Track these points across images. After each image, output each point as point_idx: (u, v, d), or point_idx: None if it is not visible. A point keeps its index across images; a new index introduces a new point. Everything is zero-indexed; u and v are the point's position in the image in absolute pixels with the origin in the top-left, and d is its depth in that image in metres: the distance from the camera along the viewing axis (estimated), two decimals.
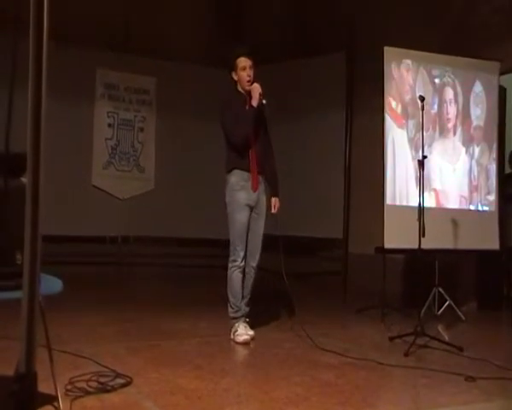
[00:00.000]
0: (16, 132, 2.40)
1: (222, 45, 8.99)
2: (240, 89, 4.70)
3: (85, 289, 6.77)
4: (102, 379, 3.19)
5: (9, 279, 2.19)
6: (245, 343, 4.49)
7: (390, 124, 6.08)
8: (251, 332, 4.64)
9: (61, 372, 2.68)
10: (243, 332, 4.55)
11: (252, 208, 4.65)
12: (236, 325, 4.61)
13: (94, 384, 3.11)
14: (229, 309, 4.66)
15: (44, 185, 1.50)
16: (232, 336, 4.59)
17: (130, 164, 9.14)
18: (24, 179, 2.45)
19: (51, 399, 2.54)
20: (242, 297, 4.67)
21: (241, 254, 4.61)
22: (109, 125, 9.03)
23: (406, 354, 4.22)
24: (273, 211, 4.75)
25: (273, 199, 4.80)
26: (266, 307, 5.87)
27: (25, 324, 1.43)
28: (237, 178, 4.62)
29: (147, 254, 8.60)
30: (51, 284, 2.63)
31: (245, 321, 4.66)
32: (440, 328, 5.07)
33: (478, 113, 6.47)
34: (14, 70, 2.22)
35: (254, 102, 4.55)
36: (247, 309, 4.74)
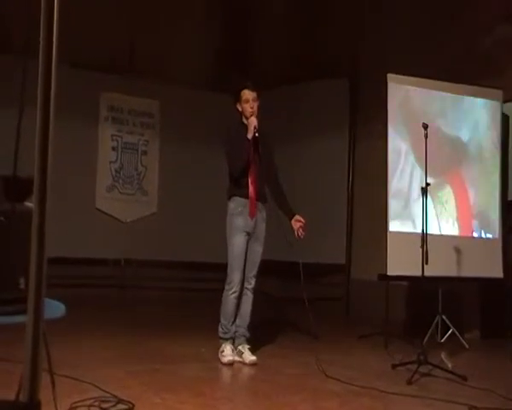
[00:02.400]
0: (22, 156, 2.43)
1: (226, 71, 9.08)
2: (244, 120, 4.85)
3: (87, 311, 6.74)
4: (104, 405, 3.16)
5: (12, 304, 2.18)
6: (229, 364, 4.56)
7: (393, 150, 6.10)
8: (253, 358, 4.66)
9: (62, 397, 2.66)
10: (229, 353, 4.65)
11: (250, 234, 4.73)
12: (223, 345, 4.72)
13: None
14: (219, 329, 4.76)
15: (49, 209, 1.50)
16: (219, 356, 4.67)
17: (133, 187, 9.16)
18: (28, 203, 2.47)
19: None
20: (238, 320, 4.76)
21: (238, 278, 4.68)
22: (113, 148, 9.06)
23: (409, 383, 4.19)
24: (297, 235, 4.80)
25: (294, 220, 4.82)
26: (269, 332, 5.84)
27: (29, 351, 1.42)
28: (235, 204, 4.76)
29: (149, 278, 8.57)
30: (54, 309, 2.63)
31: (233, 343, 4.73)
32: (443, 356, 5.02)
33: (480, 139, 6.48)
34: (22, 95, 2.24)
35: (249, 136, 4.71)
36: (248, 334, 4.78)
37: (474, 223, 6.39)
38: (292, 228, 4.84)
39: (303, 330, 5.69)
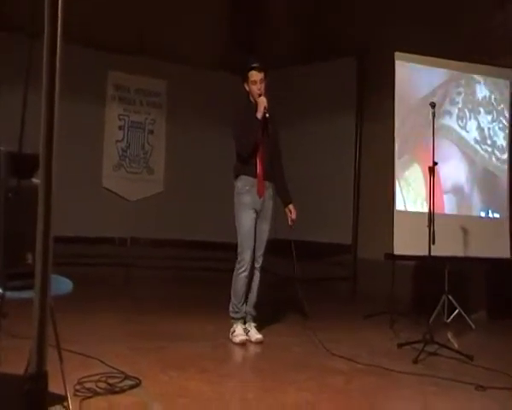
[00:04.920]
0: (27, 133, 2.43)
1: (234, 51, 9.02)
2: (251, 99, 4.88)
3: (94, 290, 6.78)
4: (111, 380, 3.20)
5: (20, 279, 2.20)
6: (241, 344, 4.58)
7: (399, 127, 6.06)
8: (259, 336, 4.69)
9: (69, 372, 2.68)
10: (240, 333, 4.67)
11: (257, 213, 4.75)
12: (235, 325, 4.74)
13: (103, 385, 3.12)
14: (230, 309, 4.78)
15: (55, 186, 1.50)
16: (230, 336, 4.70)
17: (140, 166, 9.15)
18: (35, 180, 2.47)
19: (61, 399, 2.55)
20: (246, 299, 4.77)
21: (248, 256, 4.69)
22: (120, 127, 9.04)
23: (415, 362, 4.20)
24: (290, 223, 4.86)
25: (287, 209, 4.89)
26: (274, 311, 5.87)
27: (36, 324, 1.43)
28: (243, 183, 4.78)
29: (156, 256, 8.59)
30: (61, 285, 2.64)
31: (244, 322, 4.75)
32: (450, 336, 5.03)
33: (489, 119, 6.44)
34: (28, 71, 2.24)
35: (259, 115, 4.75)
36: (255, 313, 4.81)
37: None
38: (285, 213, 4.90)
39: (309, 310, 5.71)
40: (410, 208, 6.08)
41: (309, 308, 5.36)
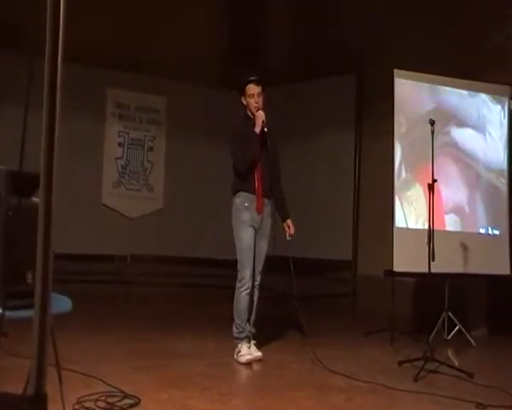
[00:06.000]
0: (28, 151, 2.44)
1: (233, 67, 9.06)
2: (249, 113, 4.83)
3: (94, 307, 6.76)
4: (110, 399, 3.18)
5: (20, 298, 2.19)
6: (247, 364, 4.52)
7: (399, 146, 6.08)
8: (258, 354, 4.66)
9: (69, 392, 2.67)
10: (246, 353, 4.61)
11: (256, 229, 4.71)
12: (240, 345, 4.66)
13: (102, 404, 3.10)
14: (234, 329, 4.71)
15: (55, 203, 1.51)
16: (236, 357, 4.63)
17: (139, 183, 9.17)
18: (35, 199, 2.48)
19: None
20: (248, 319, 4.71)
21: (249, 273, 4.65)
22: (119, 144, 9.07)
23: (415, 379, 4.18)
24: (288, 238, 4.82)
25: (285, 224, 4.86)
26: (274, 328, 5.85)
27: (36, 345, 1.43)
28: (242, 200, 4.72)
29: (156, 274, 8.58)
30: (61, 304, 2.64)
31: (249, 341, 4.69)
32: (450, 353, 5.01)
33: (488, 136, 6.46)
34: (29, 89, 2.25)
35: (257, 130, 4.68)
36: (254, 330, 4.77)
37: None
38: (283, 228, 4.87)
39: (308, 326, 5.69)
40: (411, 226, 6.07)
41: (307, 326, 5.33)
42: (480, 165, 6.41)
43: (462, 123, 6.38)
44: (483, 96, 6.48)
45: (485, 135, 6.45)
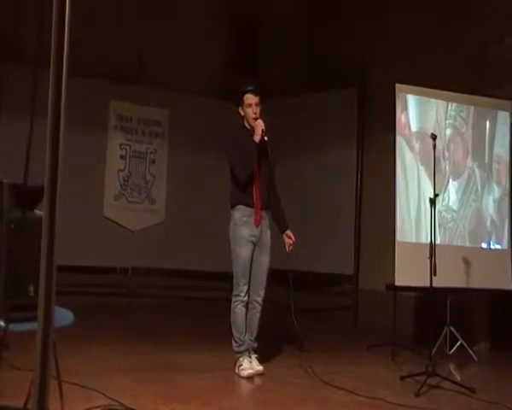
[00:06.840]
0: (32, 164, 2.44)
1: (234, 80, 9.10)
2: (246, 124, 4.80)
3: (95, 320, 6.74)
4: None
5: (22, 311, 2.19)
6: (249, 378, 4.49)
7: (401, 160, 6.09)
8: (260, 368, 4.63)
9: (70, 405, 2.66)
10: (247, 367, 4.57)
11: (255, 244, 4.68)
12: (241, 359, 4.63)
13: None
14: (233, 343, 4.69)
15: (58, 216, 1.51)
16: (237, 371, 4.60)
17: (141, 196, 9.18)
18: (38, 211, 2.49)
19: None
20: (246, 331, 4.68)
21: (244, 288, 4.63)
22: (121, 156, 9.09)
23: (417, 395, 4.16)
24: (288, 250, 4.79)
25: (284, 235, 4.84)
26: (275, 342, 5.83)
27: (38, 359, 1.42)
28: (241, 214, 4.69)
29: (157, 286, 8.57)
30: (63, 317, 2.63)
31: (249, 356, 4.66)
32: (452, 368, 4.99)
33: (489, 151, 6.46)
34: (33, 103, 2.26)
35: (256, 138, 4.64)
36: (255, 345, 4.74)
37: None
38: (283, 241, 4.85)
39: (309, 340, 5.68)
40: (413, 240, 6.07)
41: (306, 341, 5.29)
42: (482, 178, 6.40)
43: (464, 137, 6.39)
44: (485, 110, 6.49)
45: (487, 149, 6.46)
